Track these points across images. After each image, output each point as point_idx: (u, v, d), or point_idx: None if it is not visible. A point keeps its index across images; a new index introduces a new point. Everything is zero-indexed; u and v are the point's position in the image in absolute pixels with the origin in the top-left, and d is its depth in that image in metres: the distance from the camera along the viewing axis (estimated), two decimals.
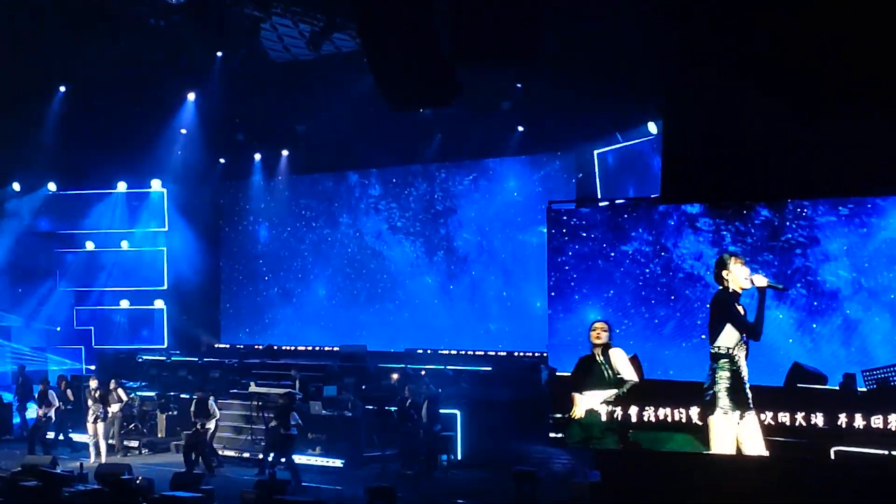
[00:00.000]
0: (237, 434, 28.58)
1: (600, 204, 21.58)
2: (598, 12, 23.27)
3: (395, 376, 27.89)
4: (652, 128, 26.62)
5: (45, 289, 36.26)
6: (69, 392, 29.85)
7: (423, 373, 27.69)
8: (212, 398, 26.42)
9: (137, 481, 20.67)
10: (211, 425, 26.07)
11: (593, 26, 23.83)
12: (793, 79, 17.64)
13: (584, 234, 19.36)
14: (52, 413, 28.63)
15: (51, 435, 29.11)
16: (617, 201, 21.53)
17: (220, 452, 27.40)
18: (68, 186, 36.25)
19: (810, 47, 17.51)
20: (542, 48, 15.92)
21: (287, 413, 24.63)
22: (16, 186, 35.90)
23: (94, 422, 27.31)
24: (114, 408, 27.80)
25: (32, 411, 30.01)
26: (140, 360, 34.73)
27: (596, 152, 29.24)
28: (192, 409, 26.31)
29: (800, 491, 17.03)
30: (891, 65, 16.86)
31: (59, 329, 36.07)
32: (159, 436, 30.01)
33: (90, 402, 27.62)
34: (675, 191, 19.40)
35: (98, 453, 26.97)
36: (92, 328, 36.07)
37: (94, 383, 28.03)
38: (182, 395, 29.68)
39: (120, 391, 28.12)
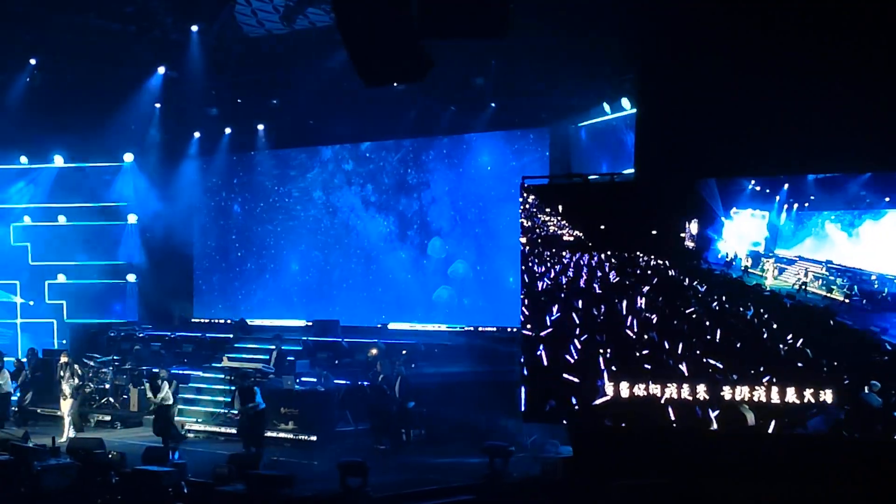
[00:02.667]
0: (211, 408, 28.50)
1: (574, 180, 21.55)
2: None
3: (373, 352, 27.82)
4: (626, 104, 26.63)
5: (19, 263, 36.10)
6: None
7: (403, 352, 27.63)
8: (162, 377, 26.05)
9: (110, 455, 20.69)
10: (163, 399, 25.76)
11: (567, 2, 23.83)
12: (767, 54, 17.70)
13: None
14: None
15: None
16: (590, 177, 21.57)
17: (193, 427, 27.49)
18: (40, 160, 36.04)
19: (785, 22, 17.57)
20: (512, 23, 15.90)
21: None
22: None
23: (66, 398, 27.11)
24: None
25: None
26: (112, 334, 34.59)
27: (570, 128, 29.23)
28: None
29: (774, 465, 17.14)
30: (867, 42, 16.93)
31: (31, 303, 35.93)
32: (132, 410, 29.89)
33: (60, 378, 27.45)
34: (649, 166, 19.47)
35: (69, 428, 26.81)
36: (64, 302, 35.92)
37: (64, 359, 27.87)
38: (154, 370, 29.50)
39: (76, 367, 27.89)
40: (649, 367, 18.02)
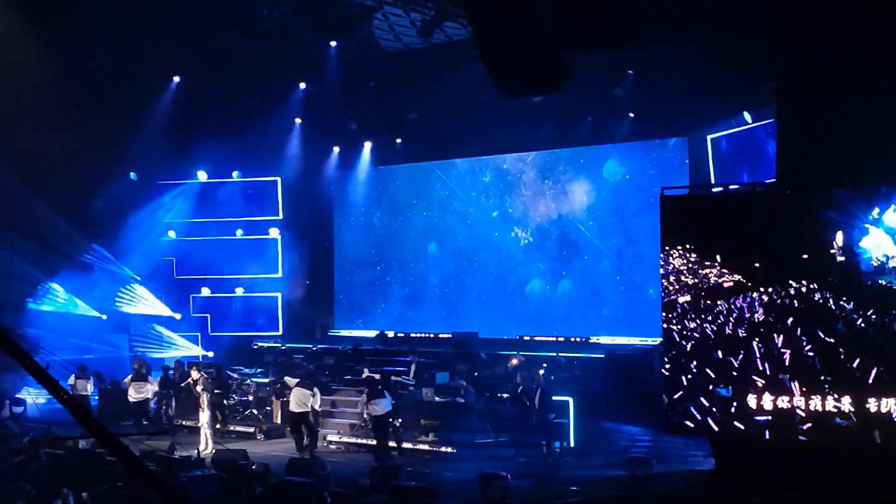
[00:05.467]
0: (352, 420, 28.70)
1: (714, 190, 21.32)
2: None
3: (514, 362, 27.77)
4: (766, 112, 26.27)
5: (163, 277, 36.80)
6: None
7: (544, 365, 27.52)
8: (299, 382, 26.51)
9: (253, 467, 20.97)
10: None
11: (704, 10, 23.63)
12: None
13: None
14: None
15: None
16: (731, 187, 21.31)
17: (335, 438, 27.77)
18: (183, 176, 36.73)
19: None
20: (648, 33, 15.82)
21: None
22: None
23: (203, 409, 27.43)
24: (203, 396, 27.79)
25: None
26: (255, 346, 35.10)
27: (709, 137, 28.94)
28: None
29: None
30: None
31: (178, 317, 36.64)
32: (275, 422, 30.23)
33: (197, 391, 27.83)
34: (791, 176, 19.17)
35: (206, 440, 27.11)
36: (208, 315, 36.55)
37: (195, 374, 28.24)
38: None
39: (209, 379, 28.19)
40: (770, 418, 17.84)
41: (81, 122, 32.31)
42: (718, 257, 18.74)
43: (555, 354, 28.74)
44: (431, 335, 34.65)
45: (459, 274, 35.94)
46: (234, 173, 36.90)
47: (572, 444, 26.00)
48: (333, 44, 32.01)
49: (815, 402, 17.55)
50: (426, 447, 26.32)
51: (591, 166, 33.11)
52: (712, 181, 28.20)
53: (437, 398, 27.13)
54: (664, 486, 20.61)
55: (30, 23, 28.88)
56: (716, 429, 18.75)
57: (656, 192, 20.03)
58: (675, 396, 18.97)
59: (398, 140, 36.39)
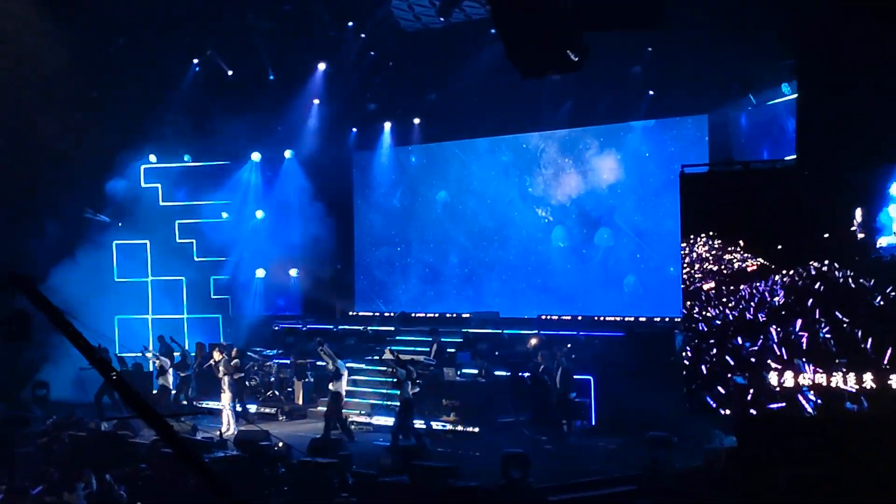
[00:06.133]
0: (374, 400, 28.75)
1: (734, 167, 21.25)
2: None
3: (533, 341, 27.75)
4: (786, 89, 26.17)
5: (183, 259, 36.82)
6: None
7: (568, 345, 27.46)
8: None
9: (276, 448, 21.05)
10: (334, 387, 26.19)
11: None
12: None
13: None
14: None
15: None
16: (751, 164, 21.22)
17: (356, 419, 27.80)
18: (203, 158, 36.75)
19: None
20: (669, 11, 15.74)
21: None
22: (152, 158, 36.48)
23: (225, 391, 27.50)
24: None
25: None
26: (276, 328, 35.14)
27: (729, 114, 28.84)
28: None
29: None
30: None
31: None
32: (297, 402, 30.33)
33: (218, 373, 27.90)
34: (812, 153, 19.10)
35: (228, 422, 27.16)
36: (229, 297, 36.59)
37: (217, 355, 28.30)
38: (319, 363, 29.58)
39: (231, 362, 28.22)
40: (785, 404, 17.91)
41: (101, 105, 32.40)
42: (742, 242, 18.66)
43: (575, 333, 28.73)
44: (452, 315, 34.64)
45: (480, 253, 35.91)
46: (253, 154, 36.84)
47: (593, 423, 26.05)
48: (352, 24, 32.00)
49: (836, 380, 17.54)
50: (448, 427, 26.38)
51: (611, 145, 33.01)
52: (732, 158, 28.09)
53: (458, 378, 27.19)
54: (685, 463, 20.64)
55: (48, 6, 28.95)
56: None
57: (676, 170, 19.96)
58: (694, 386, 18.96)
59: (417, 120, 36.32)
